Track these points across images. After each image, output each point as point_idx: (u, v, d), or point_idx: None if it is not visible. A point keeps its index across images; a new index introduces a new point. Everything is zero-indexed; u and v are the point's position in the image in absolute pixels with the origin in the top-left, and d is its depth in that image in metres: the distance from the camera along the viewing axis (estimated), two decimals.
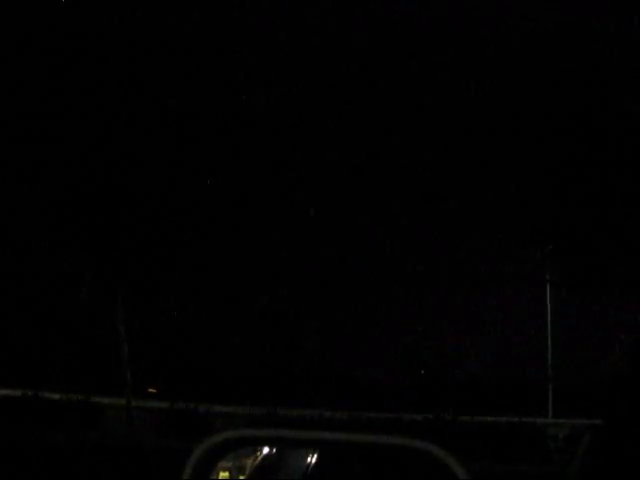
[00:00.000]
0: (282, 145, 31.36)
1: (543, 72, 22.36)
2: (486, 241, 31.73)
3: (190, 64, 25.17)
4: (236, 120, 26.43)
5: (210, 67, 25.62)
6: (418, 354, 39.28)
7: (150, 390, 35.89)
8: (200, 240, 26.90)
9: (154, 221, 25.47)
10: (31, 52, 24.07)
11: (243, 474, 4.17)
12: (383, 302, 37.21)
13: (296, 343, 37.00)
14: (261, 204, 34.45)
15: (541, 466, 23.34)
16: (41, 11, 24.49)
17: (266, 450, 4.10)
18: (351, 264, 37.45)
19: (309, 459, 4.30)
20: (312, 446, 3.52)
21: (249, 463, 4.24)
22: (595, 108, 21.83)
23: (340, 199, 36.64)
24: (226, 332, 36.05)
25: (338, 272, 37.14)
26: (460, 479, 2.18)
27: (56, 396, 29.01)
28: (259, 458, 4.15)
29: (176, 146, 25.35)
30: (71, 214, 25.08)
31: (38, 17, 24.51)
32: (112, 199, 24.86)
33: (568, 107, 22.16)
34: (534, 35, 23.50)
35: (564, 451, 24.95)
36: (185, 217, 26.24)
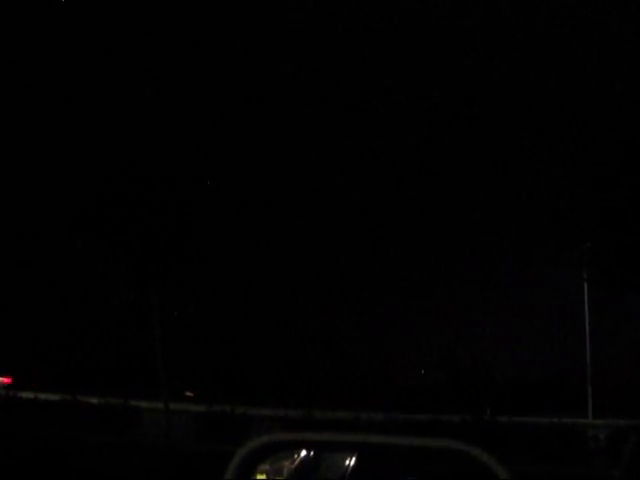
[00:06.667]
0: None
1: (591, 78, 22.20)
2: (523, 239, 31.39)
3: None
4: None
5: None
6: (455, 355, 39.00)
7: (187, 394, 36.09)
8: (237, 248, 27.01)
9: (192, 227, 25.60)
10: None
11: (280, 476, 4.16)
12: (420, 304, 37.08)
13: (332, 346, 36.95)
14: (298, 207, 34.51)
15: (582, 467, 23.02)
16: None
17: (303, 453, 4.08)
18: (387, 267, 37.36)
19: (347, 462, 4.27)
20: (349, 449, 3.49)
21: (286, 466, 4.22)
22: (632, 112, 21.58)
23: (380, 199, 36.55)
24: (262, 337, 36.15)
25: (374, 275, 37.08)
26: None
27: (95, 400, 29.23)
28: (296, 461, 4.13)
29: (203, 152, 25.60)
30: (106, 220, 25.31)
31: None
32: (148, 204, 25.05)
33: (607, 111, 21.94)
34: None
35: (605, 452, 24.57)
36: (225, 223, 26.36)
